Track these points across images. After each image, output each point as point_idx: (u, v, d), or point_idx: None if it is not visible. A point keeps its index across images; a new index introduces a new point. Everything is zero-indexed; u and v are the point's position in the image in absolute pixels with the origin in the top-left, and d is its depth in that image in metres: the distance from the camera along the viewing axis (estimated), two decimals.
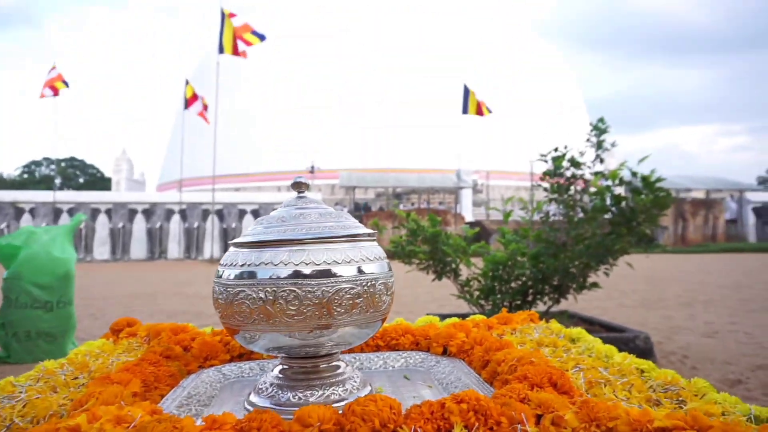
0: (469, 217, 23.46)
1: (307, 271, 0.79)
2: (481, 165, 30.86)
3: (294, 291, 0.77)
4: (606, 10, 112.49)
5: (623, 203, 3.27)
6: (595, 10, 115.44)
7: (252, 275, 0.80)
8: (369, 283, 0.82)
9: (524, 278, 3.68)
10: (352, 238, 0.84)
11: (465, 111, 19.23)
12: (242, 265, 0.82)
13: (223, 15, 21.82)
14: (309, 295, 0.77)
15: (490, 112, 18.54)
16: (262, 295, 0.78)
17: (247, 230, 0.91)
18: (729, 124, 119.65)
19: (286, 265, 0.79)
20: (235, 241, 0.88)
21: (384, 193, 28.92)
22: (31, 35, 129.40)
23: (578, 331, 1.19)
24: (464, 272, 4.02)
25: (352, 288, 0.79)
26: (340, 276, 0.79)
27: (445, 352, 1.20)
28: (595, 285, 3.64)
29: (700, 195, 29.30)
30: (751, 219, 27.41)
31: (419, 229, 3.79)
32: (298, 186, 0.96)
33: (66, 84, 18.86)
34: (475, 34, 36.47)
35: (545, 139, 35.95)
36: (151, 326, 1.35)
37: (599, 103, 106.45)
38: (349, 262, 0.81)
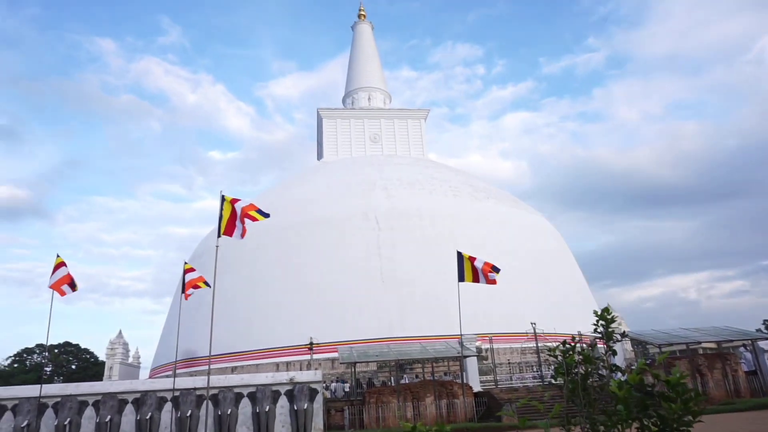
0: (476, 387, 22.25)
1: None
2: (484, 329, 30.19)
3: None
4: (580, 174, 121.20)
5: (650, 407, 2.95)
6: (571, 174, 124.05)
7: None
8: None
9: None
10: None
11: (461, 278, 19.23)
12: None
13: (222, 199, 22.95)
14: None
15: (494, 281, 18.48)
16: None
17: None
18: (722, 269, 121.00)
19: None
20: None
21: (387, 364, 27.80)
22: (41, 226, 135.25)
23: None
24: None
25: None
26: None
27: None
28: None
29: (709, 345, 28.29)
30: None
31: None
32: None
33: (74, 286, 19.02)
34: (466, 205, 38.37)
35: (544, 298, 35.64)
36: None
37: (591, 258, 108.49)
38: None
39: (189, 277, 23.43)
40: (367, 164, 44.53)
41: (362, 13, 62.63)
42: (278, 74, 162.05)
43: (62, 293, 19.44)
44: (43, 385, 20.00)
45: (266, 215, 15.82)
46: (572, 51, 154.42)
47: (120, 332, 53.36)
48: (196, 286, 24.13)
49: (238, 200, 17.12)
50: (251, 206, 16.90)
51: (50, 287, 19.41)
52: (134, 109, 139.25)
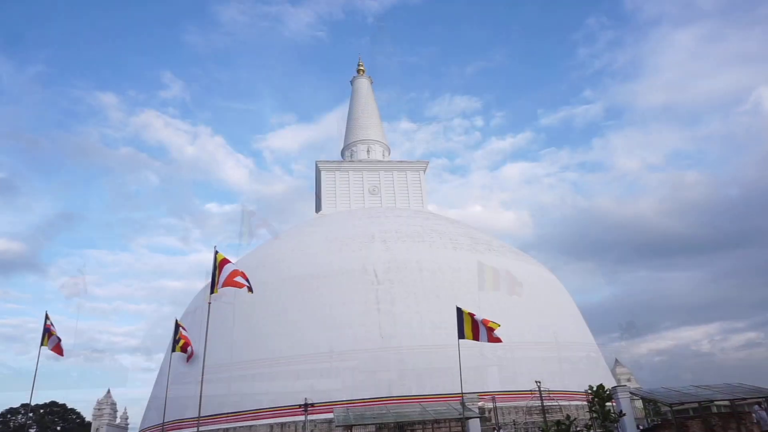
0: None
1: None
2: (487, 387, 29.21)
3: None
4: (583, 225, 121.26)
5: None
6: (573, 224, 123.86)
7: None
8: None
9: None
10: None
11: (461, 335, 18.73)
12: None
13: (216, 254, 22.72)
14: None
15: (497, 339, 18.01)
16: None
17: None
18: (732, 321, 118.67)
19: None
20: None
21: (385, 426, 26.71)
22: (35, 280, 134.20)
23: None
24: None
25: None
26: None
27: None
28: None
29: (722, 402, 27.25)
30: None
31: None
32: None
33: (61, 353, 18.67)
34: (466, 257, 38.00)
35: (548, 353, 34.74)
36: None
37: (597, 310, 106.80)
38: None
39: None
40: (365, 216, 44.49)
41: (361, 68, 64.27)
42: (277, 126, 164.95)
43: (61, 353, 18.95)
44: None
45: (250, 289, 15.78)
46: (569, 102, 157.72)
47: (108, 392, 51.83)
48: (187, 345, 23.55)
49: (228, 261, 17.01)
50: (236, 273, 16.84)
51: (51, 349, 18.92)
52: (133, 161, 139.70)
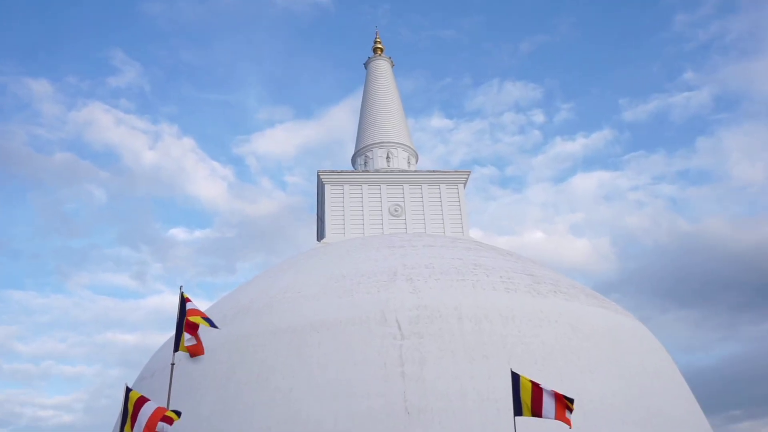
0: None
1: None
2: None
3: None
4: (685, 257, 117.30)
5: None
6: (672, 257, 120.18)
7: None
8: None
9: None
10: None
11: (518, 412, 18.33)
12: None
13: (182, 297, 22.69)
14: None
15: (568, 421, 17.52)
16: None
17: None
18: None
19: None
20: None
21: None
22: None
23: None
24: None
25: None
26: None
27: None
28: None
29: None
30: None
31: None
32: None
33: None
34: (523, 303, 37.51)
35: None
36: None
37: (708, 377, 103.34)
38: None
39: (148, 410, 22.32)
40: (385, 246, 44.38)
41: (378, 45, 65.03)
42: (266, 124, 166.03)
43: None
44: None
45: (213, 324, 15.75)
46: (664, 89, 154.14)
47: None
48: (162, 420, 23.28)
49: (189, 300, 17.10)
50: (195, 312, 16.82)
51: None
52: (71, 171, 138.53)
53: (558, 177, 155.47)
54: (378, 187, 52.70)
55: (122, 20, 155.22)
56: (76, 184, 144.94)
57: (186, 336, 18.62)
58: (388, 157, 56.86)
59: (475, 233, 53.91)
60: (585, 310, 39.67)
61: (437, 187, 53.15)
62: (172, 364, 23.14)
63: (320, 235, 53.94)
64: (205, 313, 20.23)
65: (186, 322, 18.87)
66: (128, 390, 22.42)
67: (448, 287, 38.69)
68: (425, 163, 57.60)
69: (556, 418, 19.26)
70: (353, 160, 59.57)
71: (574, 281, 47.04)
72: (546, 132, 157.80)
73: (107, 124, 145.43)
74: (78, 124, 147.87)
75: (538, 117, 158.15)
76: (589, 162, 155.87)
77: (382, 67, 63.65)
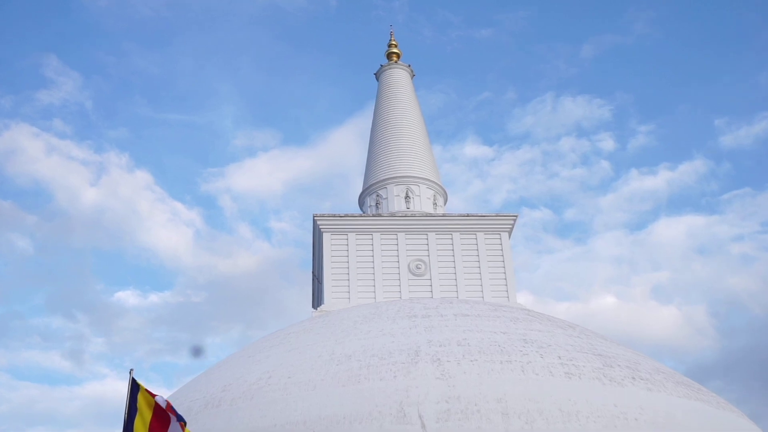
0: None
1: None
2: None
3: None
4: None
5: None
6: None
7: None
8: None
9: None
10: None
11: None
12: None
13: (134, 384, 23.07)
14: None
15: None
16: None
17: None
18: None
19: None
20: None
21: None
22: None
23: None
24: None
25: None
26: None
27: None
28: None
29: None
30: None
31: None
32: None
33: None
34: (591, 393, 37.51)
35: None
36: None
37: None
38: None
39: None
40: (403, 316, 44.54)
41: (394, 50, 65.58)
42: (245, 153, 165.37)
43: None
44: None
45: (181, 419, 15.99)
46: None
47: None
48: None
49: (155, 395, 17.61)
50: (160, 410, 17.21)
51: None
52: None
53: (635, 223, 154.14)
54: (394, 236, 52.72)
55: (57, 17, 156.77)
56: None
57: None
58: (407, 197, 56.99)
59: (524, 298, 53.98)
60: (674, 403, 39.43)
61: (473, 236, 53.07)
62: None
63: (317, 300, 54.22)
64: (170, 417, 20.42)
65: (146, 417, 19.04)
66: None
67: (489, 372, 38.56)
68: (457, 204, 57.79)
69: None
70: (361, 201, 59.86)
71: (658, 364, 46.71)
72: (618, 163, 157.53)
73: (35, 153, 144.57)
74: None
75: (607, 143, 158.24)
76: (677, 203, 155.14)
77: (399, 77, 64.23)
